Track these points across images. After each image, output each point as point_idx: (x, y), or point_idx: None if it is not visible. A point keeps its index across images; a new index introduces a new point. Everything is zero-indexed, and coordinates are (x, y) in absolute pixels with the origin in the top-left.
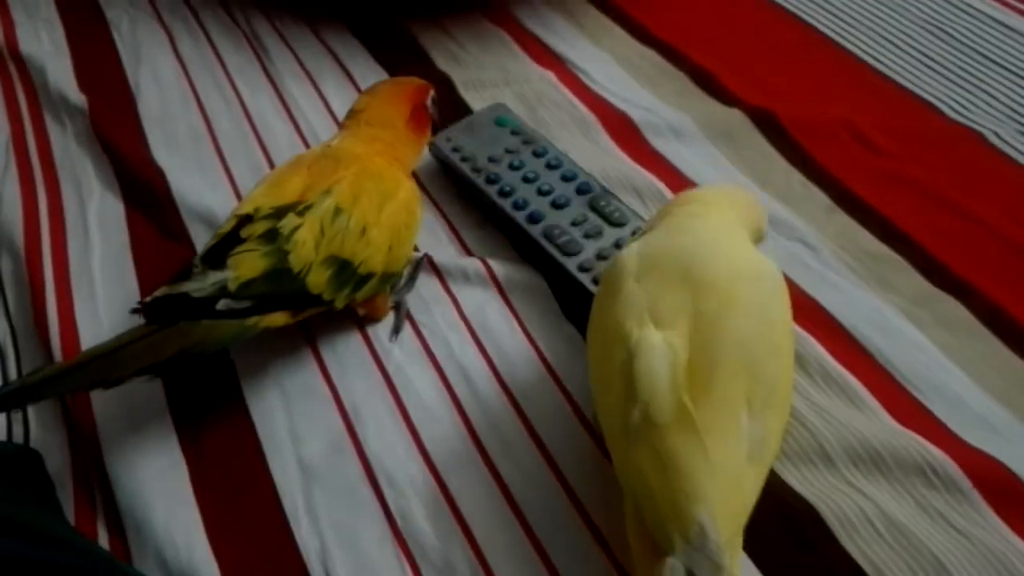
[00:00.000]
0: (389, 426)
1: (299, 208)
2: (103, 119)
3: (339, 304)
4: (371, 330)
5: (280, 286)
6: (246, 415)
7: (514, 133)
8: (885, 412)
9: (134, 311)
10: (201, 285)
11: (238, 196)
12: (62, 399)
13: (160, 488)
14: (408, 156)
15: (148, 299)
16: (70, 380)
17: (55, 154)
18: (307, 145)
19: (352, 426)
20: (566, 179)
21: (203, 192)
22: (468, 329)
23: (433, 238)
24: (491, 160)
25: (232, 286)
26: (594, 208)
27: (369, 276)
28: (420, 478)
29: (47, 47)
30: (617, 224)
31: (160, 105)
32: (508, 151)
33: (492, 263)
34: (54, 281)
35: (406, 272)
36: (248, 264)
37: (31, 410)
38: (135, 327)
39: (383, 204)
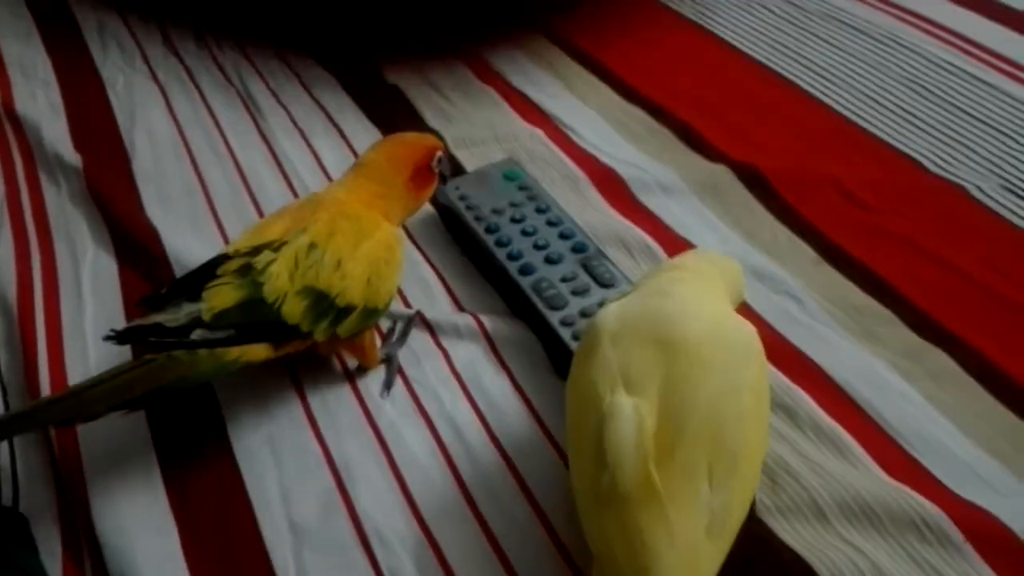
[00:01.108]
0: (380, 483)
1: (274, 245)
2: (97, 177)
3: (319, 336)
4: (362, 385)
5: (255, 316)
6: (236, 473)
7: (521, 188)
8: (877, 465)
9: (106, 338)
10: (175, 316)
11: None
12: (52, 455)
13: (150, 549)
14: (397, 210)
15: (122, 328)
16: (48, 413)
17: (49, 213)
18: None
19: (343, 484)
20: (564, 237)
21: (196, 249)
22: (459, 384)
23: (425, 294)
24: (494, 211)
25: (206, 316)
26: (586, 267)
27: (349, 309)
28: (411, 536)
29: (43, 107)
30: (606, 285)
31: (154, 162)
32: (512, 204)
33: (483, 318)
34: (46, 341)
35: (398, 327)
36: (222, 295)
37: (20, 469)
38: (120, 364)
39: (359, 241)
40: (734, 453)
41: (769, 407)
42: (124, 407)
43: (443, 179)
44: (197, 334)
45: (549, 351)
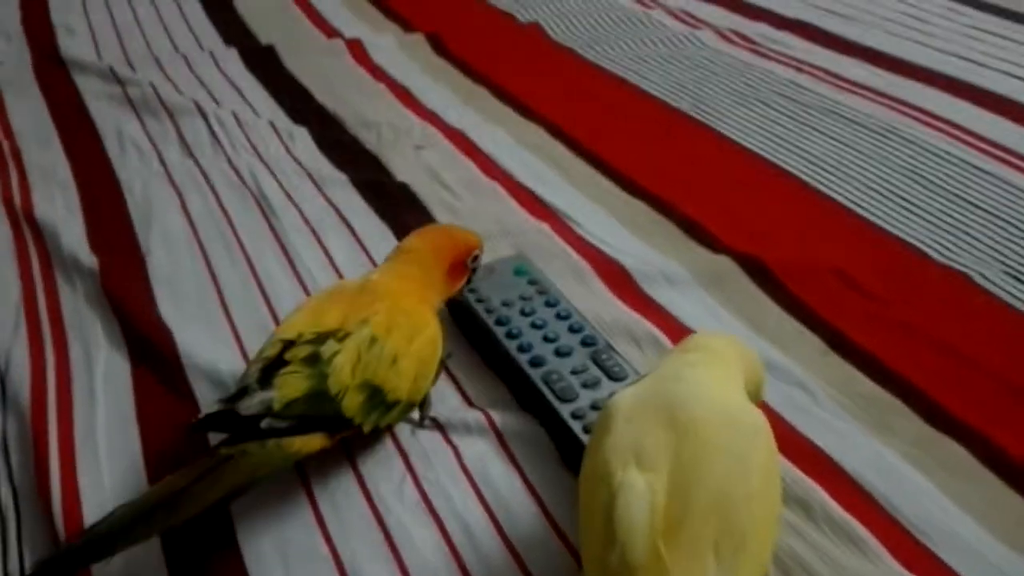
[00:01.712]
0: None
1: (339, 335)
2: (113, 279)
3: (367, 428)
4: (370, 483)
5: (319, 407)
6: (245, 573)
7: (531, 283)
8: (893, 559)
9: (189, 426)
10: (249, 403)
11: (244, 353)
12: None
13: None
14: (436, 297)
15: (201, 416)
16: (147, 527)
17: (64, 314)
18: None
19: None
20: (573, 330)
21: (209, 350)
22: (469, 481)
23: (434, 389)
24: (504, 304)
25: (277, 405)
26: (595, 360)
27: (395, 403)
28: None
29: (61, 209)
30: (616, 378)
31: (169, 264)
32: (522, 298)
33: (493, 413)
34: (58, 444)
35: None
36: (292, 385)
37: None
38: (190, 464)
39: (413, 337)
40: (742, 532)
41: (779, 491)
42: (206, 511)
43: (469, 280)
44: (266, 423)
45: (559, 444)
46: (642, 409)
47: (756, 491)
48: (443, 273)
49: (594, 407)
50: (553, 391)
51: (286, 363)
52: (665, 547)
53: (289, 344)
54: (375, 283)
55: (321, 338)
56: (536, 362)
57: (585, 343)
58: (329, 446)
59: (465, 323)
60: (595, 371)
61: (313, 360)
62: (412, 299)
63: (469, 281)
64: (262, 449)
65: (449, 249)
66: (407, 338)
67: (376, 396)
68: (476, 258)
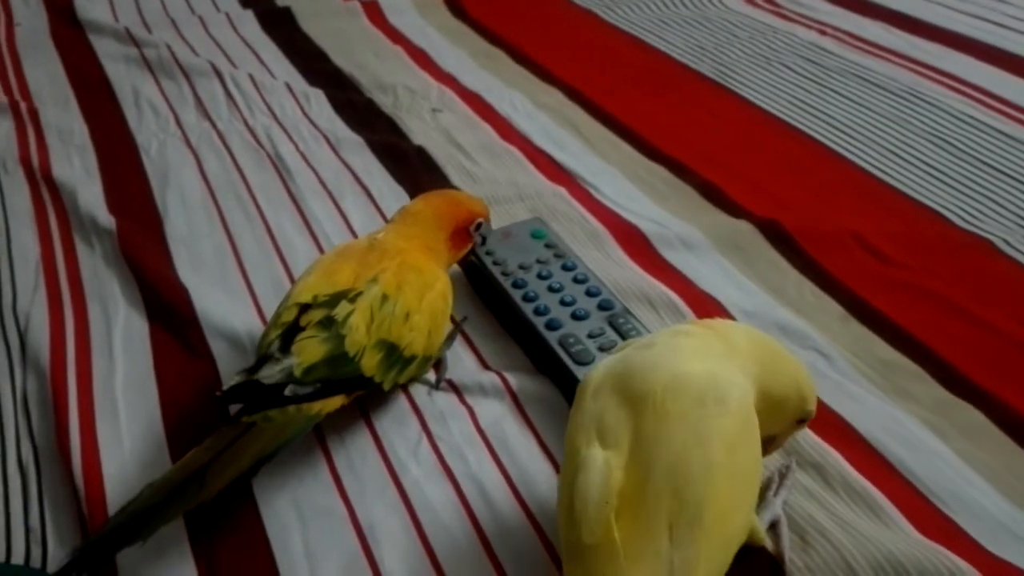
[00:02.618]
0: (405, 544)
1: (351, 295)
2: (130, 240)
3: (387, 386)
4: (387, 443)
5: (338, 369)
6: (262, 534)
7: (548, 246)
8: (909, 524)
9: (216, 399)
10: (271, 372)
11: (260, 313)
12: (81, 517)
13: None
14: (442, 260)
15: (225, 388)
16: (179, 504)
17: (83, 275)
18: None
19: (368, 545)
20: (590, 294)
21: (226, 310)
22: (485, 443)
23: (450, 352)
24: (521, 267)
25: (297, 371)
26: (612, 324)
27: (412, 359)
28: None
29: (79, 172)
30: None
31: (186, 225)
32: (539, 261)
33: (508, 376)
34: (77, 402)
35: (446, 331)
36: (310, 350)
37: (49, 531)
38: (207, 442)
39: (424, 293)
40: (698, 506)
41: (754, 460)
42: (236, 481)
43: (478, 245)
44: (290, 390)
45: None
46: (607, 382)
47: (717, 461)
48: (446, 238)
49: None
50: (569, 354)
51: (301, 328)
52: (620, 525)
53: (305, 308)
54: (382, 241)
55: (334, 300)
56: (553, 325)
57: (602, 307)
58: (348, 402)
59: (481, 286)
60: (612, 335)
61: (328, 323)
62: (420, 256)
63: (473, 250)
64: (284, 414)
65: (452, 215)
66: (418, 294)
67: (393, 353)
68: (480, 226)
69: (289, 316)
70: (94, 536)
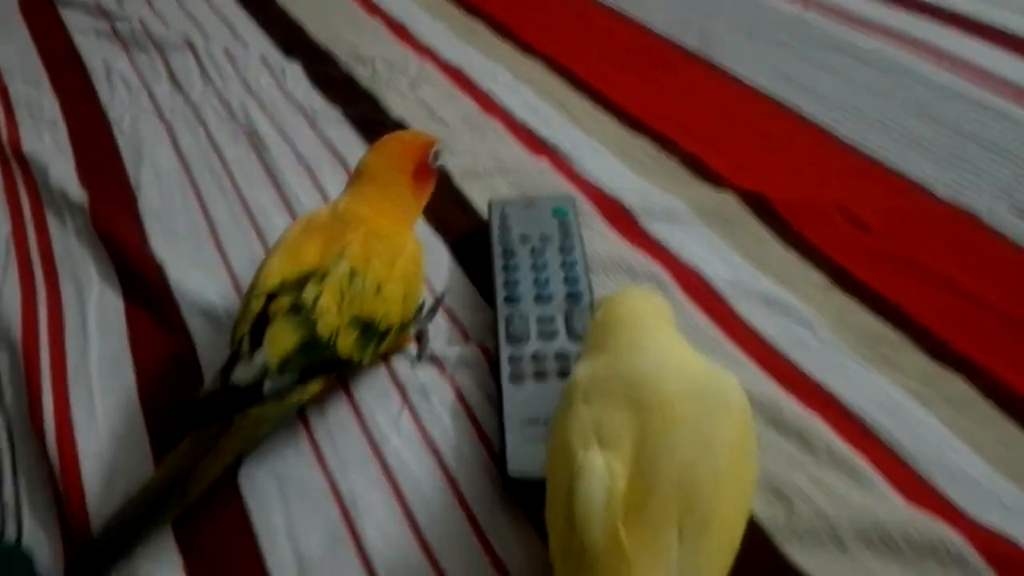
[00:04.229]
0: (387, 516)
1: (317, 275)
2: (103, 215)
3: (366, 361)
4: (369, 418)
5: (314, 355)
6: (242, 506)
7: (561, 226)
8: (894, 492)
9: (192, 410)
10: (245, 372)
11: (237, 289)
12: (56, 492)
13: None
14: (410, 211)
15: (202, 395)
16: (166, 510)
17: (55, 250)
18: None
19: (349, 516)
20: (567, 281)
21: (202, 285)
22: (467, 414)
23: (432, 325)
24: (521, 238)
25: (272, 365)
26: (567, 315)
27: (389, 329)
28: (419, 569)
29: (50, 147)
30: (577, 339)
31: (160, 200)
32: (541, 238)
33: (490, 348)
34: (51, 379)
35: (427, 303)
36: (281, 340)
37: (24, 507)
38: (184, 446)
39: (394, 260)
40: (706, 512)
41: (754, 468)
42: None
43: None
44: (268, 387)
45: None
46: (604, 387)
47: (724, 470)
48: (408, 181)
49: (535, 357)
50: (507, 330)
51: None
52: (626, 530)
53: (272, 296)
54: (345, 210)
55: (302, 282)
56: (511, 298)
57: (570, 296)
58: (327, 385)
59: (480, 249)
60: (559, 325)
61: (297, 309)
62: (386, 220)
63: (490, 217)
64: (263, 410)
65: (405, 156)
66: (387, 262)
67: (368, 329)
68: (437, 155)
69: (257, 305)
70: (82, 553)
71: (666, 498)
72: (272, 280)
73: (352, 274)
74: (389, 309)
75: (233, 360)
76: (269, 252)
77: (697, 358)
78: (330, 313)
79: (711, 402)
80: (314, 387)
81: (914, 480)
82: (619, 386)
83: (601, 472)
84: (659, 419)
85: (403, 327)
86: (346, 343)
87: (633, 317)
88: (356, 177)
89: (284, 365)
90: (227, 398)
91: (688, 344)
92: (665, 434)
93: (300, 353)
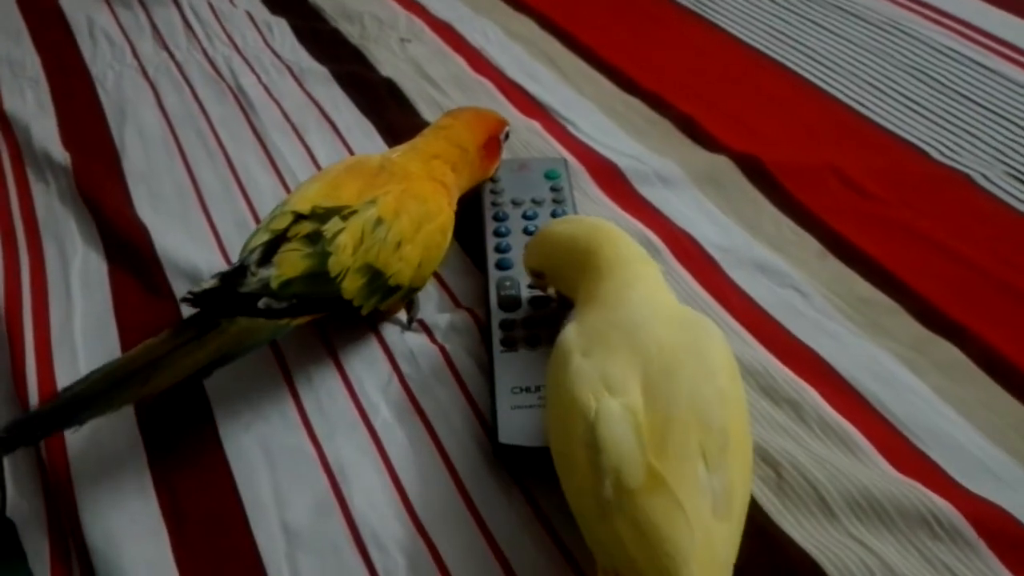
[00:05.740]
0: (375, 484)
1: (344, 212)
2: (87, 176)
3: (366, 310)
4: (357, 385)
5: (317, 288)
6: (228, 474)
7: (553, 189)
8: (885, 460)
9: (184, 300)
10: (248, 281)
11: (223, 251)
12: (40, 461)
13: (140, 554)
14: (465, 180)
15: (198, 290)
16: (121, 395)
17: (38, 212)
18: None
19: (337, 485)
20: None
21: (187, 248)
22: (457, 381)
23: (422, 291)
24: (513, 202)
25: (274, 284)
26: None
27: (396, 288)
28: (407, 538)
29: (32, 105)
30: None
31: (145, 161)
32: (534, 201)
33: (480, 314)
34: (34, 344)
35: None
36: (291, 263)
37: (8, 475)
38: (163, 335)
39: (421, 224)
40: (723, 429)
41: (742, 386)
42: (188, 379)
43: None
44: (263, 303)
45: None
46: (601, 339)
47: (727, 388)
48: (478, 149)
49: (526, 323)
50: (499, 295)
51: (288, 239)
52: (657, 462)
53: (299, 217)
54: (394, 163)
55: (329, 214)
56: (503, 264)
57: None
58: (318, 317)
59: (471, 214)
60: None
61: (315, 238)
62: (430, 185)
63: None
64: (252, 323)
65: (483, 124)
66: (415, 224)
67: (377, 279)
68: (507, 135)
69: (281, 224)
70: (30, 413)
71: (685, 425)
72: (304, 204)
73: (378, 222)
74: (402, 268)
75: (237, 268)
76: (310, 179)
77: (675, 301)
78: (345, 252)
79: (699, 333)
80: (305, 317)
81: (905, 448)
82: (615, 335)
83: (621, 414)
84: (658, 357)
85: (412, 292)
86: (352, 286)
87: (620, 263)
88: (432, 131)
89: (286, 286)
90: (220, 300)
91: (665, 284)
92: (668, 368)
93: (304, 280)
